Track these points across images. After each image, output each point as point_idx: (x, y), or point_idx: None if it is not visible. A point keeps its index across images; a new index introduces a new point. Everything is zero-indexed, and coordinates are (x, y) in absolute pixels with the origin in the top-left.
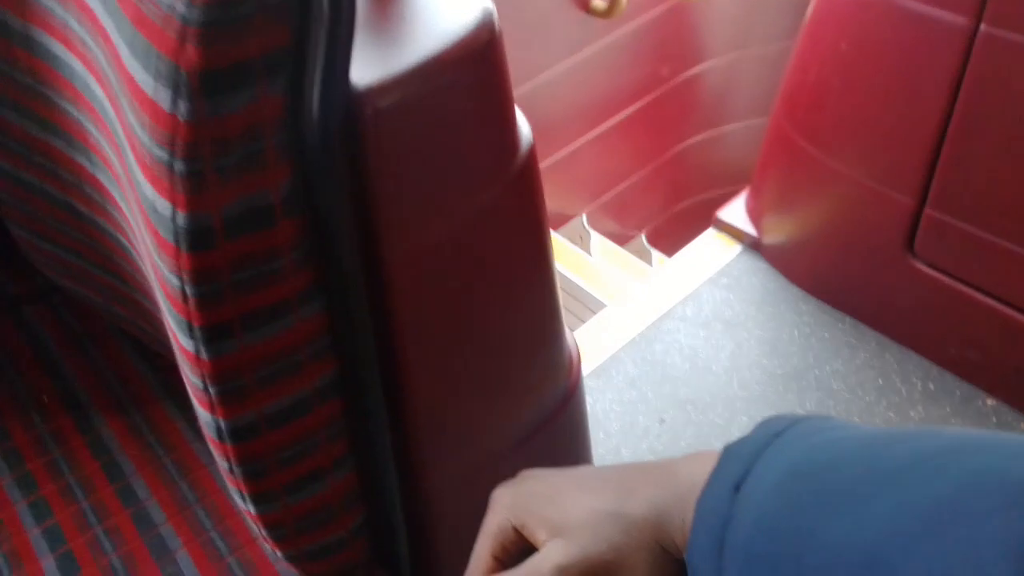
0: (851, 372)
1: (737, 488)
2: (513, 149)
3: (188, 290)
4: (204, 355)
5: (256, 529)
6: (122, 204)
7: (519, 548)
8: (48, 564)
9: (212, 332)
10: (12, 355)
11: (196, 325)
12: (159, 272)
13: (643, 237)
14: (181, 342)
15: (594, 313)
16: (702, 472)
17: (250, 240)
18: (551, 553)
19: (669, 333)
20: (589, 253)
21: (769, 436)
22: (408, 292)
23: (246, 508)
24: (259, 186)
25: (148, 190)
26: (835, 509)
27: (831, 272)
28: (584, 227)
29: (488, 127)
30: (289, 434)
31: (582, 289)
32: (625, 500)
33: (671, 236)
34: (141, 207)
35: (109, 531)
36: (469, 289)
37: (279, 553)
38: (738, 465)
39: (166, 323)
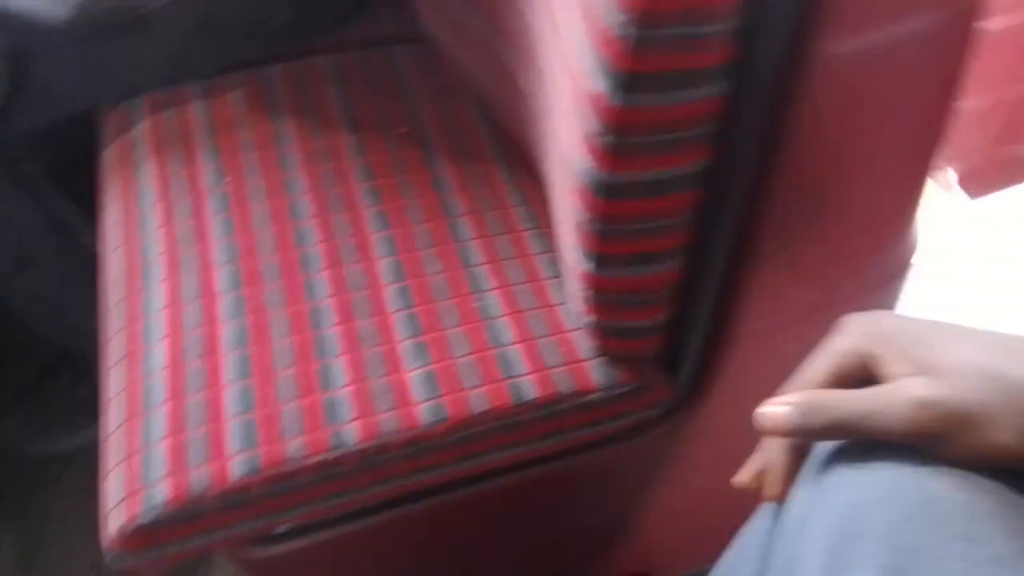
0: None
1: None
2: None
3: (624, 31)
4: (615, 101)
5: (561, 295)
6: None
7: (858, 377)
8: (383, 265)
9: (631, 79)
10: (377, 86)
11: (618, 68)
12: (591, 10)
13: (950, 172)
14: (591, 84)
15: None
16: None
17: None
18: (913, 386)
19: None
20: None
21: None
22: (814, 97)
23: (582, 267)
24: None
25: None
26: None
27: None
28: None
29: None
30: (650, 206)
31: None
32: (1012, 363)
33: (981, 180)
34: None
35: (435, 254)
36: (869, 119)
37: (588, 319)
38: None
39: (556, 76)
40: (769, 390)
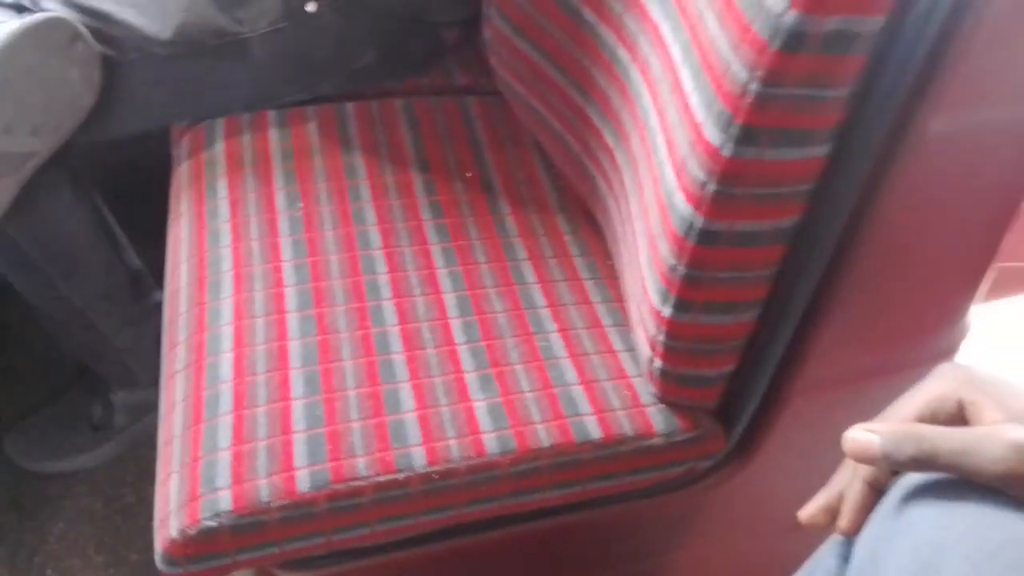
0: None
1: None
2: None
3: (752, 87)
4: (726, 152)
5: (622, 342)
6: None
7: (950, 422)
8: (449, 298)
9: (747, 133)
10: (449, 131)
11: (738, 121)
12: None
13: None
14: (704, 134)
15: None
16: None
17: (822, 60)
18: (1010, 430)
19: None
20: None
21: None
22: (909, 169)
23: (661, 311)
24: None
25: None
26: None
27: None
28: None
29: None
30: (740, 256)
31: None
32: None
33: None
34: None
35: (499, 293)
36: (954, 198)
37: (657, 364)
38: None
39: (656, 126)
40: (814, 455)
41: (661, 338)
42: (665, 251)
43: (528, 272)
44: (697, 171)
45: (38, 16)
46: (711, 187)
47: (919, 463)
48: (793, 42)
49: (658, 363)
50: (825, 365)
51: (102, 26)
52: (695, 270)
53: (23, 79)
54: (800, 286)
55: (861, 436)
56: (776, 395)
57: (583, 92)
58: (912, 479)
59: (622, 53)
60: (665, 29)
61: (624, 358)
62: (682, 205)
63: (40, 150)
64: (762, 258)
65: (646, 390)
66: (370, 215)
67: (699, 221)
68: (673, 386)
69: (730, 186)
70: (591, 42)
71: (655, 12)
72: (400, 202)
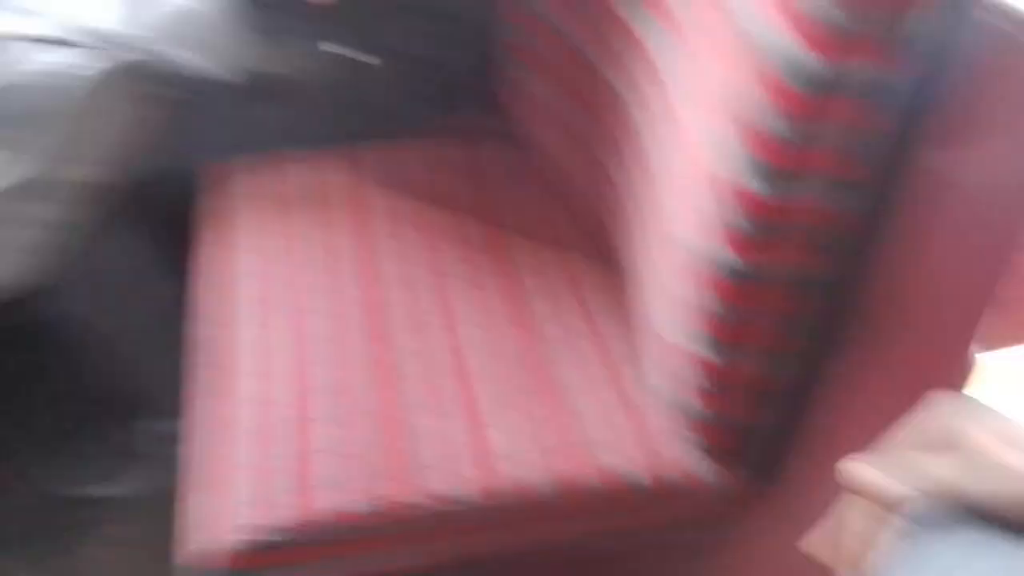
0: None
1: None
2: None
3: (786, 134)
4: (763, 193)
5: (634, 375)
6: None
7: (940, 449)
8: (465, 333)
9: (780, 175)
10: (462, 170)
11: (772, 165)
12: (735, 113)
13: None
14: (744, 181)
15: None
16: None
17: (850, 107)
18: (1004, 454)
19: None
20: None
21: None
22: (920, 222)
23: (686, 345)
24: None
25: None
26: None
27: None
28: None
29: None
30: (771, 299)
31: None
32: None
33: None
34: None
35: (512, 328)
36: (955, 235)
37: (676, 394)
38: None
39: (675, 169)
40: (825, 502)
41: (685, 373)
42: (697, 289)
43: (541, 306)
44: (737, 215)
45: (111, 62)
46: (751, 229)
47: (912, 491)
48: (816, 87)
49: (679, 402)
50: (847, 410)
51: (162, 67)
52: (724, 309)
53: (93, 118)
54: (822, 331)
55: (854, 467)
56: (796, 438)
57: (599, 131)
58: (912, 507)
59: (630, 95)
60: (666, 73)
61: (635, 392)
62: (715, 249)
63: (99, 181)
64: (791, 304)
65: (660, 425)
66: (388, 249)
67: (736, 261)
68: (686, 419)
69: (769, 228)
70: (605, 84)
71: (662, 58)
72: (417, 237)
